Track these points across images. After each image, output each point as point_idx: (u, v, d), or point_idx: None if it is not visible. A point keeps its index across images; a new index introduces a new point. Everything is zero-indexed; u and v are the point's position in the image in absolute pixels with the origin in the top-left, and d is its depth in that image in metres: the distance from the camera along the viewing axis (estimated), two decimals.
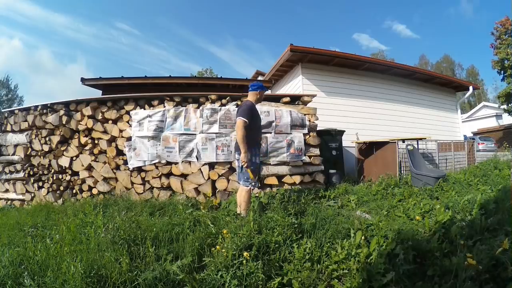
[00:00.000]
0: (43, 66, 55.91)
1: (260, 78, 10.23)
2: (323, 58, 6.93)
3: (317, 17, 71.97)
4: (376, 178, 4.95)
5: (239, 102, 4.34)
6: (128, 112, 4.32)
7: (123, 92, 5.06)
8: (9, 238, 2.54)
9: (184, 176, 4.12)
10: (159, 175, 4.12)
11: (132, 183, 4.20)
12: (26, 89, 54.26)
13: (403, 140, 5.42)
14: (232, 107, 4.25)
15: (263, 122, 3.74)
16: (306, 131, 4.38)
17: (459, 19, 58.51)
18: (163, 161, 4.13)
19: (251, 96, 3.04)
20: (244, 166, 2.76)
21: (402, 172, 5.21)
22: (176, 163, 4.11)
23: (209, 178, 4.03)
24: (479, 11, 56.48)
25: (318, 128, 4.68)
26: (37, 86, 53.15)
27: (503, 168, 5.59)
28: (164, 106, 4.28)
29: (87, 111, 4.36)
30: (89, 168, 4.38)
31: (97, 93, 6.94)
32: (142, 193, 4.14)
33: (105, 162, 4.29)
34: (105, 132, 4.33)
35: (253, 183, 2.85)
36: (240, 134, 2.69)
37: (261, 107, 4.21)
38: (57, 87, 53.25)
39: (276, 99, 4.56)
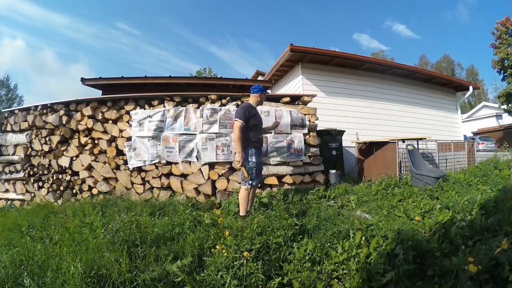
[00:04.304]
0: (47, 66, 56.00)
1: (260, 78, 10.22)
2: (323, 58, 6.93)
3: (317, 17, 72.06)
4: (376, 178, 4.95)
5: (239, 102, 4.34)
6: (128, 112, 4.32)
7: (123, 92, 5.05)
8: (8, 239, 2.54)
9: (184, 176, 4.12)
10: (159, 175, 4.12)
11: (132, 183, 4.20)
12: (28, 90, 54.26)
13: (403, 140, 5.42)
14: (232, 107, 4.25)
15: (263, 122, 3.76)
16: (306, 131, 4.38)
17: (456, 22, 58.70)
18: (163, 161, 4.13)
19: (252, 99, 3.24)
20: (238, 165, 2.95)
21: (402, 172, 5.21)
22: (176, 163, 4.11)
23: (209, 178, 4.03)
24: (476, 14, 56.65)
25: (318, 128, 4.67)
26: (40, 87, 53.21)
27: (503, 168, 5.59)
28: (164, 106, 4.28)
29: (87, 111, 4.36)
30: (89, 168, 4.38)
31: (97, 93, 6.94)
32: (142, 193, 4.14)
33: (105, 162, 4.29)
34: (105, 132, 4.33)
35: (249, 182, 2.95)
36: (235, 135, 2.93)
37: (261, 107, 4.21)
38: (60, 87, 53.25)
39: (276, 99, 4.56)
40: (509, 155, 8.30)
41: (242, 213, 2.92)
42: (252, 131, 3.04)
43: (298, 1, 72.63)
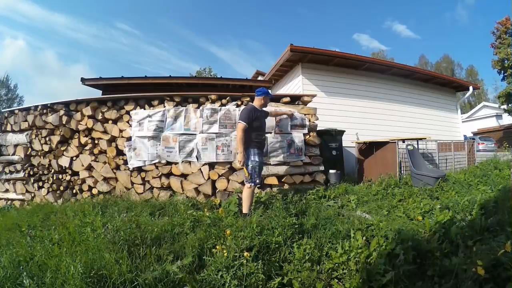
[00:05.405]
0: (48, 66, 55.84)
1: (260, 78, 10.23)
2: (323, 58, 6.93)
3: (317, 17, 71.88)
4: (376, 178, 4.95)
5: (239, 102, 4.35)
6: (128, 112, 4.32)
7: (123, 92, 5.06)
8: (8, 239, 2.54)
9: (184, 176, 4.12)
10: (159, 175, 4.12)
11: (132, 183, 4.19)
12: (29, 90, 53.83)
13: (403, 140, 5.42)
14: (232, 107, 4.25)
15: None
16: (306, 131, 4.38)
17: (455, 23, 58.70)
18: (163, 161, 4.13)
19: (256, 101, 3.39)
20: (240, 165, 3.12)
21: (402, 172, 5.21)
22: (176, 163, 4.11)
23: (209, 178, 4.03)
24: (475, 15, 56.65)
25: (318, 128, 4.67)
26: (40, 87, 53.03)
27: (503, 168, 5.59)
28: (164, 106, 4.28)
29: (87, 111, 4.35)
30: (89, 168, 4.38)
31: (97, 93, 6.94)
32: (142, 193, 4.14)
33: (105, 162, 4.28)
34: (105, 132, 4.32)
35: (251, 181, 3.07)
36: (237, 136, 3.08)
37: None
38: (61, 87, 52.98)
39: (276, 99, 4.56)
40: (509, 155, 8.30)
41: (245, 211, 3.00)
42: (254, 132, 3.18)
43: (298, 1, 72.57)
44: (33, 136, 4.64)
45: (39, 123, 4.59)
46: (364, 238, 2.07)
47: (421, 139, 5.64)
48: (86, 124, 4.35)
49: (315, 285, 1.74)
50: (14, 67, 48.79)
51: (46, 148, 4.51)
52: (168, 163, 4.14)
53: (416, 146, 5.26)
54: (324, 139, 4.89)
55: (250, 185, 3.07)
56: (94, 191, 4.29)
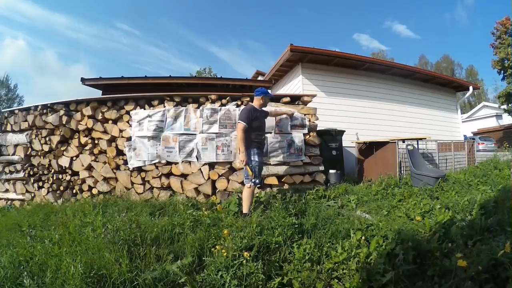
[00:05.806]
0: (48, 67, 55.75)
1: (260, 78, 10.23)
2: (323, 58, 6.93)
3: (317, 17, 71.81)
4: (376, 178, 4.95)
5: (239, 102, 4.35)
6: (128, 112, 4.32)
7: (123, 92, 5.06)
8: (8, 239, 2.54)
9: (184, 176, 4.12)
10: (159, 175, 4.12)
11: (132, 183, 4.19)
12: (29, 90, 53.64)
13: (403, 140, 5.42)
14: (232, 107, 4.25)
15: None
16: (306, 131, 4.38)
17: (455, 24, 58.67)
18: (163, 161, 4.13)
19: (255, 101, 3.41)
20: (243, 164, 3.12)
21: (402, 172, 5.21)
22: (176, 163, 4.11)
23: (209, 178, 4.03)
24: (474, 15, 56.64)
25: (318, 128, 4.68)
26: (41, 87, 52.90)
27: (503, 168, 5.59)
28: (164, 106, 4.28)
29: (87, 111, 4.35)
30: (89, 168, 4.38)
31: (97, 93, 6.94)
32: (142, 193, 4.14)
33: (105, 162, 4.28)
34: (105, 132, 4.32)
35: (252, 180, 3.09)
36: (238, 136, 3.11)
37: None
38: (61, 87, 52.86)
39: (276, 99, 4.56)
40: (509, 155, 8.30)
41: (245, 211, 3.01)
42: (254, 132, 3.21)
43: (298, 1, 72.53)
44: (33, 136, 4.64)
45: (39, 123, 4.60)
46: (363, 238, 2.07)
47: (421, 139, 5.64)
48: (86, 124, 4.35)
49: (315, 285, 1.74)
50: (14, 67, 48.64)
51: (46, 148, 4.51)
52: (168, 163, 4.14)
53: (416, 146, 5.25)
54: (324, 139, 4.89)
55: (250, 185, 3.08)
56: (94, 191, 4.29)
